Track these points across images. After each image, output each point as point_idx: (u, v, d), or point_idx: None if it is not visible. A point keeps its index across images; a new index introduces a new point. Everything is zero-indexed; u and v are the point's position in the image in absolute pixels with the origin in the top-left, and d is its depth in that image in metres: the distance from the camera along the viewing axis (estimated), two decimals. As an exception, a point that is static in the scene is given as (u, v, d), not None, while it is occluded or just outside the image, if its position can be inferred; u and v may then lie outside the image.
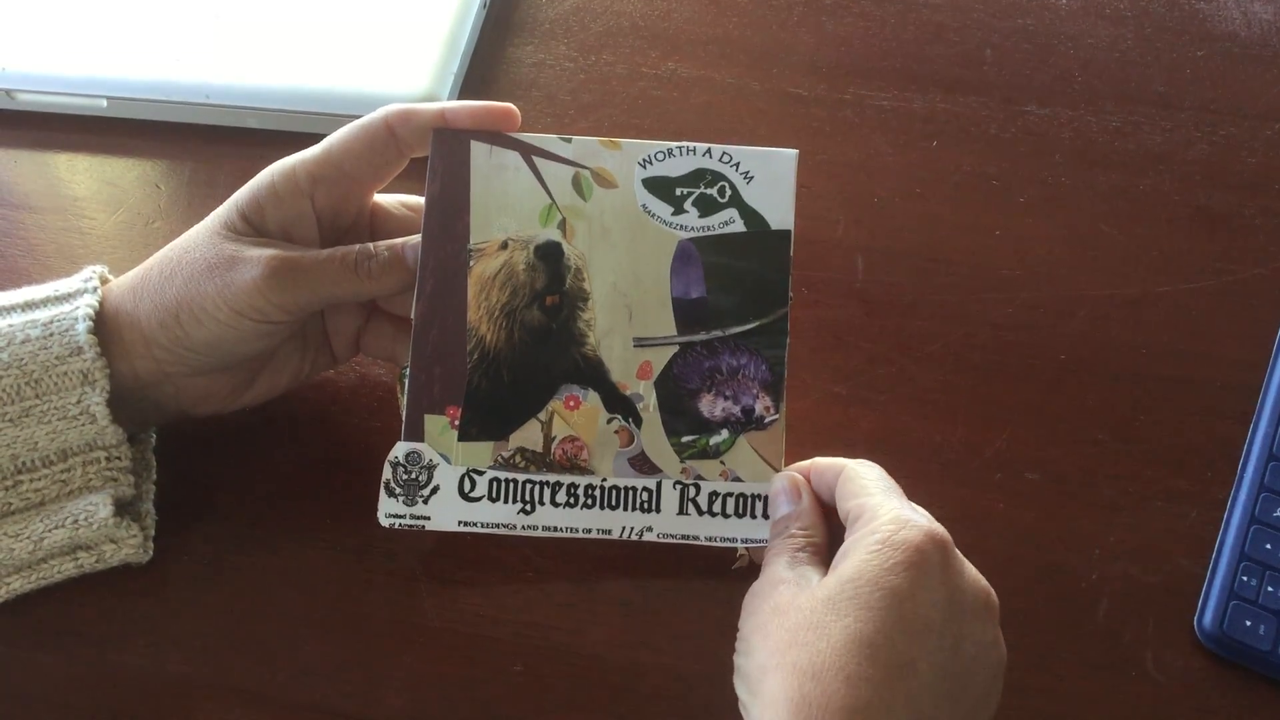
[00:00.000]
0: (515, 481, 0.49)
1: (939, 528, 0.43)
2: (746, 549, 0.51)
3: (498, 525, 0.49)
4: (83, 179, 0.67)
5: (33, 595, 0.49)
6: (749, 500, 0.50)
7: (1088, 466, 0.55)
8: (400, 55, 0.67)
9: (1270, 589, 0.50)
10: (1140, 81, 0.69)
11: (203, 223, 0.50)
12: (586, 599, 0.51)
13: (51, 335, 0.48)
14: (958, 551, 0.43)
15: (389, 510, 0.49)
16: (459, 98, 0.69)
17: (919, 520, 0.43)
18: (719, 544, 0.50)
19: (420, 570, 0.52)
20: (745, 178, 0.50)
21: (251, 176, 0.51)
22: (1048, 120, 0.68)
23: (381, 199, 0.54)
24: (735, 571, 0.51)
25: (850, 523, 0.45)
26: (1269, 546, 0.51)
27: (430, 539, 0.52)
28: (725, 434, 0.50)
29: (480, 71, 0.71)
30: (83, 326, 0.48)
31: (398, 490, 0.49)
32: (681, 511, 0.50)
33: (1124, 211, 0.64)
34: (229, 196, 0.51)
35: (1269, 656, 0.49)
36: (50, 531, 0.48)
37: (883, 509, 0.44)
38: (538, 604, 0.51)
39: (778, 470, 0.50)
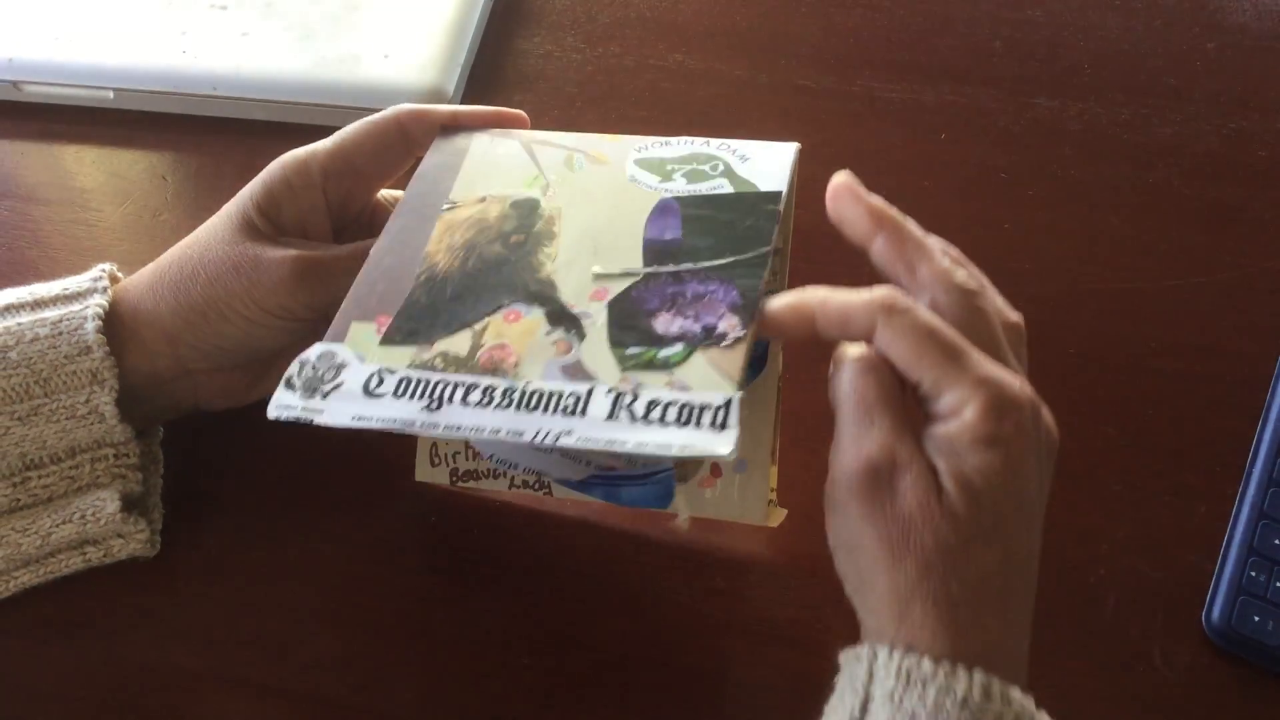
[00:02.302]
0: (426, 381, 0.43)
1: (1025, 389, 0.40)
2: (687, 518, 0.49)
3: (395, 421, 0.42)
4: (90, 171, 0.67)
5: (41, 589, 0.50)
6: (695, 410, 0.40)
7: (1096, 461, 0.55)
8: (407, 47, 0.67)
9: (1279, 584, 0.50)
10: (1150, 74, 0.69)
11: (216, 219, 0.50)
12: (594, 594, 0.51)
13: (60, 334, 0.48)
14: (1038, 400, 0.41)
15: (280, 402, 0.44)
16: (466, 89, 0.69)
17: (1014, 396, 0.39)
18: (649, 452, 0.40)
19: (428, 564, 0.52)
20: (741, 159, 0.48)
21: (259, 168, 0.51)
22: (1057, 112, 0.67)
23: (385, 193, 0.54)
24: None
25: (928, 394, 0.40)
26: (1278, 542, 0.51)
27: (437, 531, 0.52)
28: (679, 347, 0.42)
29: (487, 63, 0.71)
30: (92, 326, 0.48)
31: (296, 385, 0.44)
32: (611, 417, 0.41)
33: (1133, 204, 0.63)
34: (236, 188, 0.51)
35: (1277, 651, 0.49)
36: (58, 527, 0.48)
37: (971, 392, 0.39)
38: (545, 598, 0.51)
39: (735, 385, 0.41)
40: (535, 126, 0.53)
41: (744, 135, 0.50)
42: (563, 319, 0.44)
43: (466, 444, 0.51)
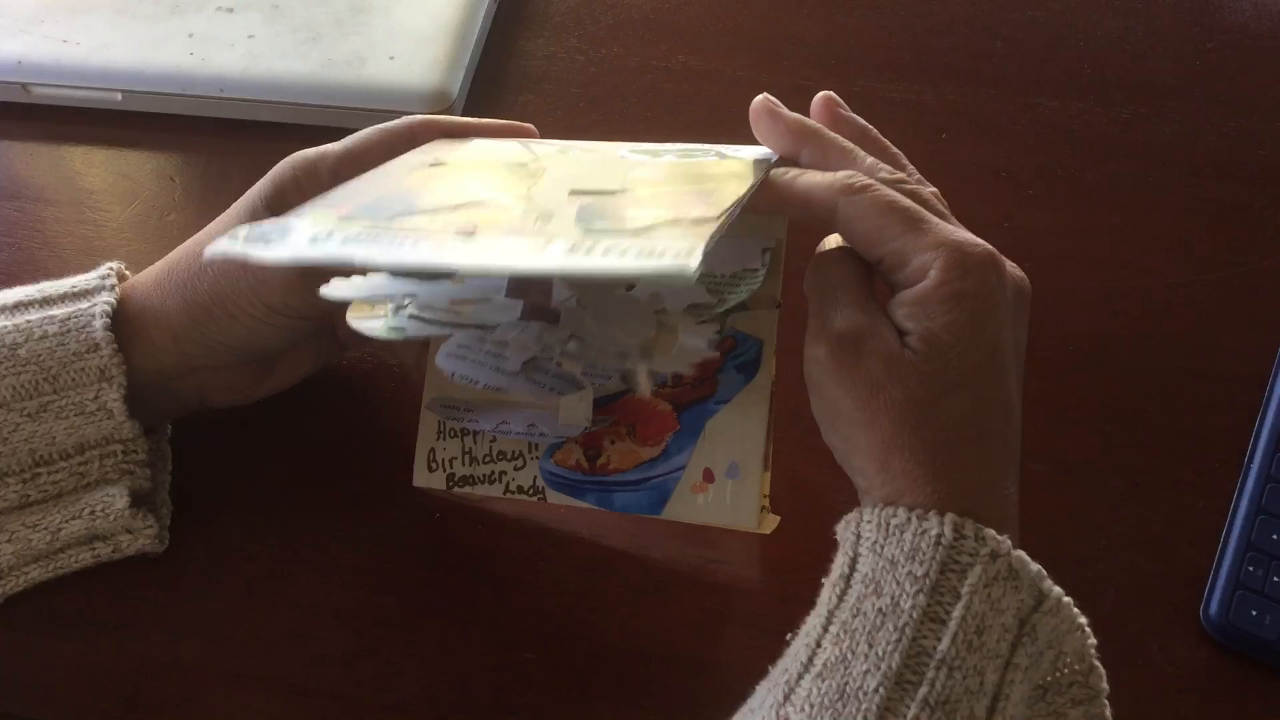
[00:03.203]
0: (380, 232, 0.41)
1: (985, 246, 0.42)
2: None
3: (333, 257, 0.39)
4: (98, 172, 0.68)
5: (51, 584, 0.50)
6: (659, 250, 0.37)
7: (1095, 457, 0.55)
8: (412, 49, 0.68)
9: (1276, 579, 0.50)
10: (1150, 73, 0.69)
11: (225, 217, 0.51)
12: (597, 587, 0.52)
13: (69, 332, 0.48)
14: (998, 254, 0.43)
15: (216, 247, 0.41)
16: (470, 91, 0.70)
17: (972, 252, 0.41)
18: (608, 271, 0.37)
19: (433, 559, 0.53)
20: (733, 148, 0.49)
21: (266, 168, 0.51)
22: (1058, 112, 0.68)
23: None
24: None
25: (891, 265, 0.43)
26: (1275, 537, 0.51)
27: (442, 527, 0.53)
28: (647, 220, 0.40)
29: (492, 64, 0.71)
30: (100, 323, 0.48)
31: (239, 235, 0.41)
32: (570, 253, 0.38)
33: (1133, 204, 0.64)
34: (243, 188, 0.52)
35: (1275, 646, 0.49)
36: (68, 522, 0.49)
37: (930, 254, 0.41)
38: (549, 592, 0.52)
39: (704, 243, 0.37)
40: (539, 127, 0.53)
41: (747, 136, 0.50)
42: (535, 212, 0.42)
43: (464, 449, 0.51)
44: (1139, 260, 0.62)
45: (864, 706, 0.37)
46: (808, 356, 0.44)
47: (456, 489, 0.51)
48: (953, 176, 0.65)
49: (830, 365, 0.42)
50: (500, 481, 0.50)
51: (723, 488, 0.48)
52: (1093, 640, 0.41)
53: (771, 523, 0.50)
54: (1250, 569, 0.51)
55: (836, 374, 0.42)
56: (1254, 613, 0.49)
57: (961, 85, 0.69)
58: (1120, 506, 0.53)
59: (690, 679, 0.49)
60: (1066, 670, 0.41)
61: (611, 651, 0.50)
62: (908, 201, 0.43)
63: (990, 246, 0.43)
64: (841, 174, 0.43)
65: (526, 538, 0.53)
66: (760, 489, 0.48)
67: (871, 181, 0.43)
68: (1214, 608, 0.50)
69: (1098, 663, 0.41)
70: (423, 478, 0.51)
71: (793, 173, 0.45)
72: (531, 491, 0.50)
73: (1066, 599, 0.40)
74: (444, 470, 0.51)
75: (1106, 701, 0.41)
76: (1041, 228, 0.63)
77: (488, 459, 0.50)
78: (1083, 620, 0.41)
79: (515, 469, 0.50)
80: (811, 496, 0.53)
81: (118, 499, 0.49)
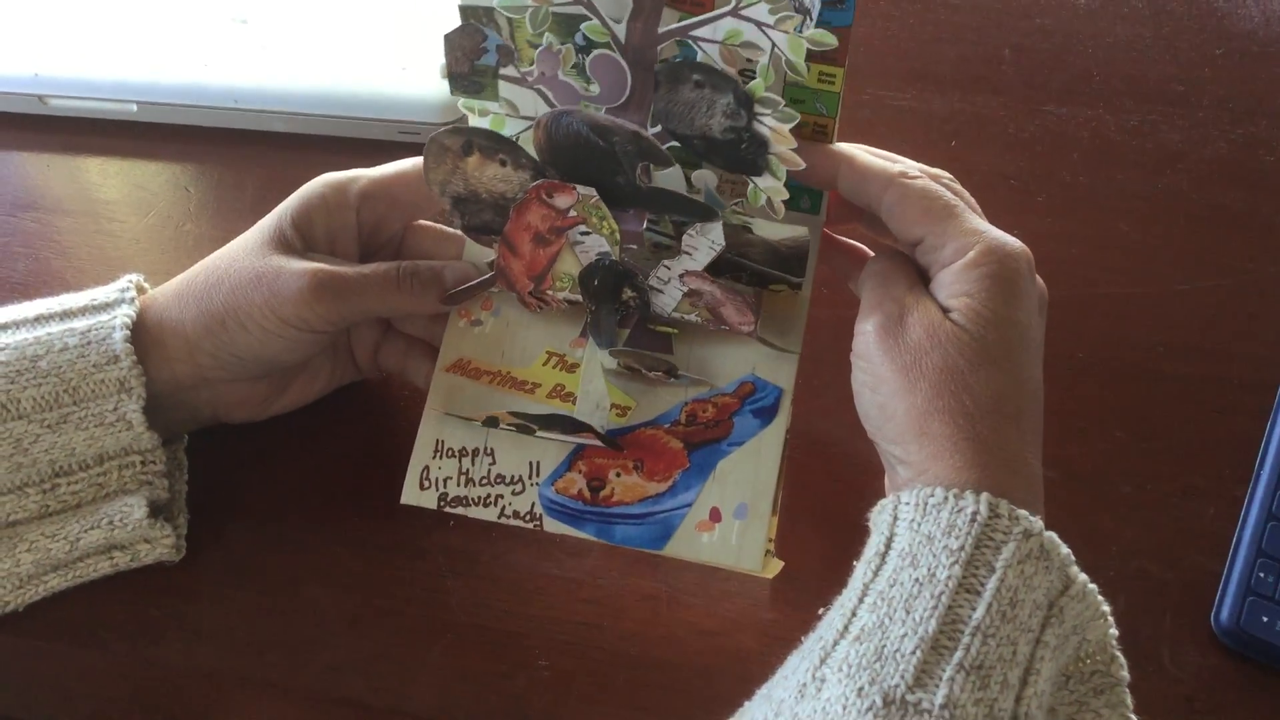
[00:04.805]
0: None
1: (1019, 241, 0.46)
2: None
3: None
4: (114, 183, 0.68)
5: (70, 593, 0.51)
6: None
7: (1106, 464, 0.55)
8: (424, 60, 0.68)
9: (1287, 586, 0.51)
10: (1158, 80, 0.70)
11: (249, 233, 0.52)
12: (612, 594, 0.52)
13: (89, 344, 0.49)
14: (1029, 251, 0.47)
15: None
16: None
17: (1009, 243, 0.46)
18: None
19: (447, 567, 0.53)
20: None
21: (279, 179, 0.52)
22: (1066, 119, 0.68)
23: (423, 222, 0.56)
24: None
25: (933, 245, 0.46)
26: (1286, 544, 0.51)
27: (457, 535, 0.53)
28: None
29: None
30: (120, 335, 0.49)
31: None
32: None
33: (1142, 210, 0.64)
34: (258, 199, 0.53)
35: (1285, 653, 0.49)
36: (87, 532, 0.49)
37: (972, 236, 0.45)
38: (563, 600, 0.52)
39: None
40: None
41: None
42: None
43: (460, 469, 0.50)
44: (1148, 267, 0.62)
45: (901, 668, 0.38)
46: (857, 331, 0.46)
47: (448, 509, 0.50)
48: (962, 184, 0.65)
49: (877, 335, 0.45)
50: (495, 505, 0.50)
51: (729, 528, 0.48)
52: (1114, 630, 0.42)
53: (775, 567, 0.49)
54: (1261, 575, 0.51)
55: (883, 343, 0.45)
56: (1265, 619, 0.50)
57: (970, 93, 0.70)
58: (1131, 513, 0.54)
59: (702, 685, 0.50)
60: (1089, 660, 0.42)
61: (624, 659, 0.50)
62: (949, 194, 0.47)
63: (1023, 249, 0.46)
64: (896, 164, 0.48)
65: (540, 545, 0.53)
66: (767, 532, 0.48)
67: (920, 174, 0.47)
68: (1225, 614, 0.50)
69: (1119, 653, 0.42)
70: (412, 495, 0.50)
71: (851, 149, 0.48)
72: (528, 518, 0.50)
73: (1091, 585, 0.41)
74: (436, 489, 0.50)
75: (1127, 690, 0.42)
76: (1051, 235, 0.63)
77: (485, 481, 0.50)
78: (1106, 608, 0.42)
79: (513, 494, 0.50)
80: (822, 506, 0.54)
81: (136, 509, 0.49)
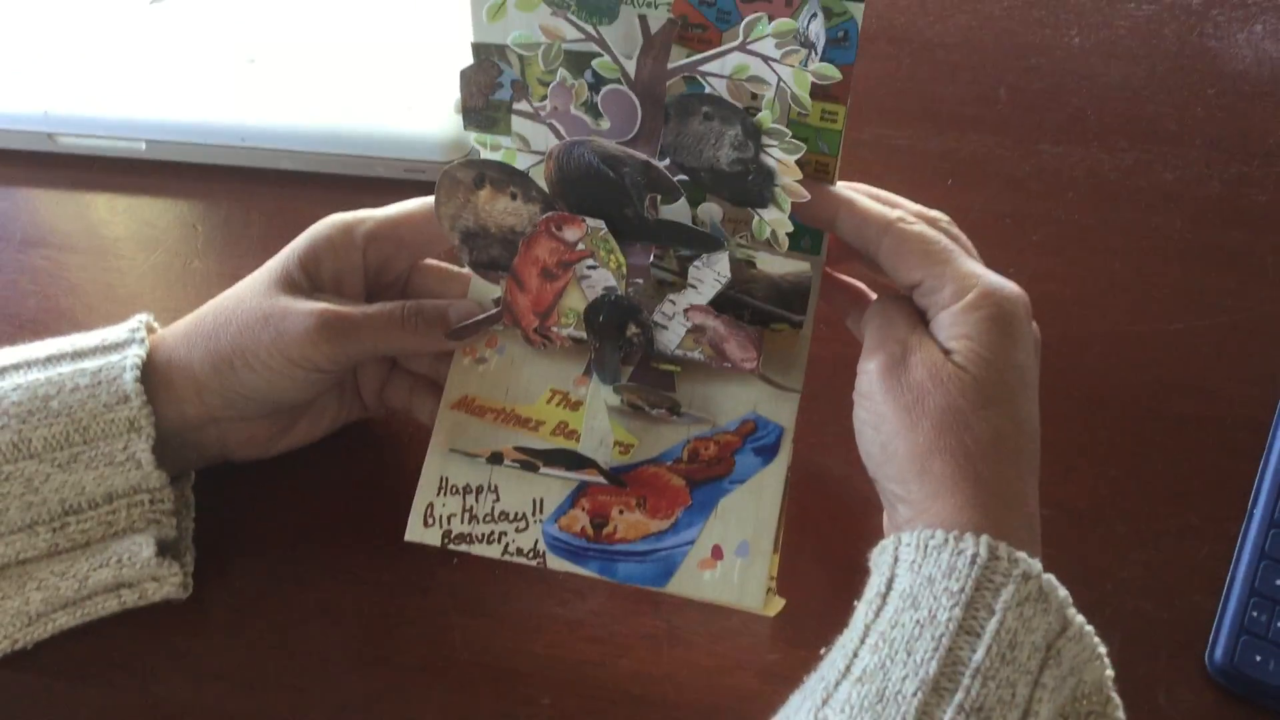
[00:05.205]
0: None
1: (1017, 287, 0.47)
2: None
3: None
4: (122, 220, 0.69)
5: (77, 630, 0.51)
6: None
7: (1101, 502, 0.56)
8: (429, 99, 0.69)
9: (1280, 624, 0.51)
10: (1152, 119, 0.71)
11: (256, 274, 0.52)
12: (614, 633, 0.53)
13: (100, 384, 0.50)
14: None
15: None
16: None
17: (1007, 286, 0.46)
18: None
19: (450, 604, 0.54)
20: None
21: (286, 216, 0.53)
22: (1061, 158, 0.69)
23: (431, 261, 0.57)
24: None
25: (932, 288, 0.47)
26: (1279, 582, 0.52)
27: (461, 573, 0.54)
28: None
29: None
30: (130, 375, 0.50)
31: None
32: None
33: (1136, 249, 0.65)
34: (265, 236, 0.53)
35: (1279, 691, 0.50)
36: (95, 570, 0.50)
37: (970, 279, 0.46)
38: (565, 638, 0.53)
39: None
40: None
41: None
42: None
43: (464, 506, 0.51)
44: (1142, 305, 0.63)
45: (902, 710, 0.39)
46: (861, 370, 0.47)
47: (451, 546, 0.50)
48: (958, 222, 0.66)
49: (880, 375, 0.46)
50: (499, 543, 0.50)
51: (731, 565, 0.49)
52: (1110, 671, 0.43)
53: (777, 605, 0.50)
54: (1255, 614, 0.51)
55: (886, 382, 0.45)
56: (1259, 658, 0.50)
57: (966, 132, 0.71)
58: (1126, 552, 0.54)
59: (704, 724, 0.50)
60: (1085, 701, 0.42)
61: (625, 697, 0.51)
62: (947, 240, 0.48)
63: (1021, 292, 0.47)
64: (895, 210, 0.49)
65: (543, 583, 0.54)
66: (769, 570, 0.49)
67: (917, 220, 0.48)
68: (1219, 653, 0.51)
69: (1114, 694, 0.43)
70: (416, 532, 0.51)
71: (850, 194, 0.49)
72: (531, 555, 0.50)
73: (1088, 627, 0.42)
74: (440, 526, 0.51)
75: None
76: (1046, 273, 0.64)
77: (488, 518, 0.51)
78: (1102, 650, 0.42)
79: (517, 530, 0.50)
80: (823, 544, 0.54)
81: (144, 547, 0.50)
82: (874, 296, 0.52)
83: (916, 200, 0.51)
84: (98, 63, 0.72)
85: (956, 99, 0.72)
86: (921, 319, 0.48)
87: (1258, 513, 0.54)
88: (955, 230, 0.50)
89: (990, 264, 0.48)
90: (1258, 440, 0.57)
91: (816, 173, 0.50)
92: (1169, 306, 0.62)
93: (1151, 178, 0.68)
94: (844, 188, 0.50)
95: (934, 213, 0.50)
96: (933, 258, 0.47)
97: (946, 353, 0.45)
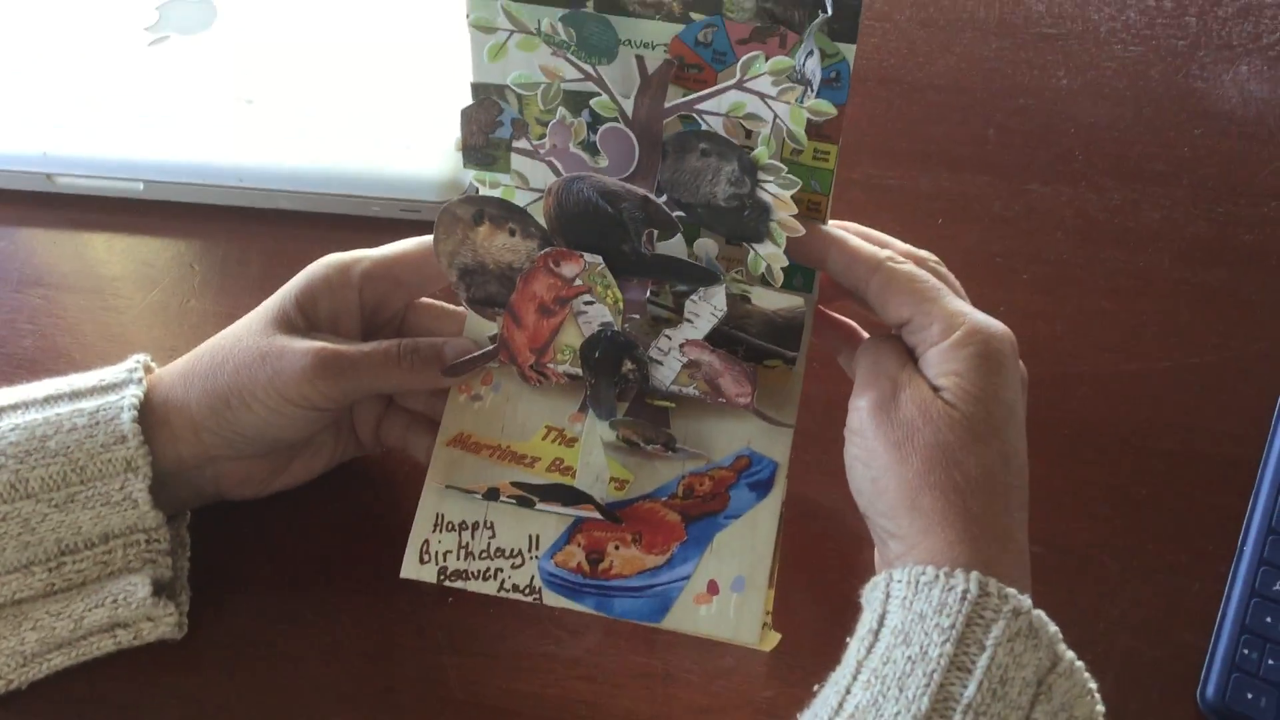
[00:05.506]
0: None
1: (1003, 325, 0.48)
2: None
3: None
4: (120, 259, 0.70)
5: (72, 670, 0.51)
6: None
7: (1091, 540, 0.56)
8: (427, 139, 0.70)
9: (1271, 661, 0.51)
10: (1139, 159, 0.72)
11: (253, 313, 0.53)
12: (608, 672, 0.53)
13: (97, 424, 0.50)
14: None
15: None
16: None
17: (993, 324, 0.47)
18: None
19: (446, 643, 0.54)
20: None
21: (283, 256, 0.54)
22: (1050, 198, 0.70)
23: (426, 300, 0.57)
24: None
25: (920, 325, 0.47)
26: (1269, 620, 0.52)
27: (456, 611, 0.54)
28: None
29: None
30: (128, 415, 0.50)
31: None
32: None
33: (1124, 288, 0.66)
34: (262, 275, 0.54)
35: (1271, 729, 0.50)
36: (91, 611, 0.50)
37: (957, 317, 0.47)
38: (560, 677, 0.53)
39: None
40: None
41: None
42: None
43: (460, 543, 0.51)
44: (1130, 344, 0.63)
45: None
46: (852, 407, 0.48)
47: (447, 583, 0.51)
48: (948, 261, 0.66)
49: (871, 411, 0.46)
50: (495, 579, 0.50)
51: (727, 600, 0.49)
52: (1101, 706, 0.43)
53: (773, 640, 0.50)
54: (1245, 651, 0.52)
55: (876, 418, 0.46)
56: (1249, 695, 0.51)
57: (956, 172, 0.71)
58: (1117, 589, 0.55)
59: (698, 762, 0.50)
60: None
61: (621, 735, 0.51)
62: (934, 279, 0.49)
63: (1007, 331, 0.48)
64: (884, 251, 0.49)
65: (538, 622, 0.54)
66: (764, 605, 0.49)
67: (905, 260, 0.49)
68: (1210, 690, 0.51)
69: None
70: (412, 569, 0.51)
71: (840, 234, 0.50)
72: (527, 591, 0.50)
73: (1079, 663, 0.42)
74: (436, 563, 0.51)
75: None
76: (1035, 311, 0.65)
77: (484, 555, 0.51)
78: (1093, 685, 0.43)
79: (513, 567, 0.50)
80: (816, 580, 0.55)
81: (140, 588, 0.50)
82: (865, 335, 0.53)
83: (906, 239, 0.52)
84: (96, 103, 0.73)
85: (946, 139, 0.73)
86: (911, 357, 0.48)
87: (1247, 550, 0.55)
88: (943, 270, 0.51)
89: (980, 302, 0.49)
90: (1246, 478, 0.58)
91: (809, 211, 0.51)
92: (1157, 345, 0.63)
93: (1139, 217, 0.69)
94: (835, 226, 0.51)
95: (922, 253, 0.51)
96: (921, 296, 0.48)
97: (936, 390, 0.46)
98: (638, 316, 0.51)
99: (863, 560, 0.52)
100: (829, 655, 0.45)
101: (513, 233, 0.51)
